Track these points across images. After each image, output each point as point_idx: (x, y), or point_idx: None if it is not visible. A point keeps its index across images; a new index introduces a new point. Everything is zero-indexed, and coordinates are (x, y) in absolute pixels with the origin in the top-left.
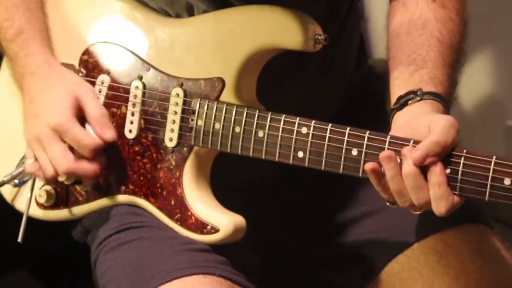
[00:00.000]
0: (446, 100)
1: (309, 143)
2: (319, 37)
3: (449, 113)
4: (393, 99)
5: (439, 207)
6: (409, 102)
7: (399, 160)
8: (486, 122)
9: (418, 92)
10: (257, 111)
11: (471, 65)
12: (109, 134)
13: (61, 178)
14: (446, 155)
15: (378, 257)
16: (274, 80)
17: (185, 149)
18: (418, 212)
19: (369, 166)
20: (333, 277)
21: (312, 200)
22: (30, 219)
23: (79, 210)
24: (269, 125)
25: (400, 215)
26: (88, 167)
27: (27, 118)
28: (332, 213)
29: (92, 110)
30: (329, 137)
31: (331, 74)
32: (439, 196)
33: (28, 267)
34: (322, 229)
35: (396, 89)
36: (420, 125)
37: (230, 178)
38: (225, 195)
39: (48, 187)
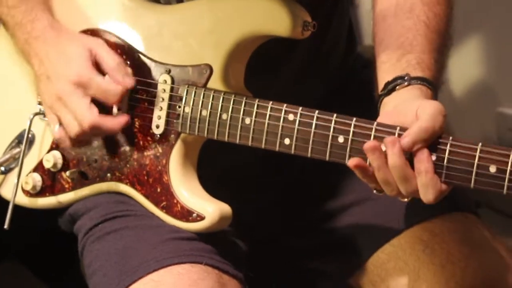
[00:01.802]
0: (434, 84)
1: (295, 130)
2: (308, 24)
3: (437, 98)
4: (381, 84)
5: (427, 195)
6: (397, 87)
7: (384, 149)
8: (477, 108)
9: (406, 77)
10: (244, 98)
11: (463, 51)
12: (131, 81)
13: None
14: (432, 142)
15: (365, 246)
16: (262, 67)
17: (172, 136)
18: (406, 200)
19: (352, 162)
20: (319, 266)
21: (299, 189)
22: (19, 208)
23: (65, 197)
24: (256, 112)
25: (386, 205)
26: (113, 120)
27: (40, 82)
28: (318, 203)
29: (108, 60)
30: (315, 124)
31: (320, 61)
32: (426, 184)
33: (16, 256)
34: (309, 218)
35: (384, 74)
36: (408, 111)
37: (218, 166)
38: (213, 184)
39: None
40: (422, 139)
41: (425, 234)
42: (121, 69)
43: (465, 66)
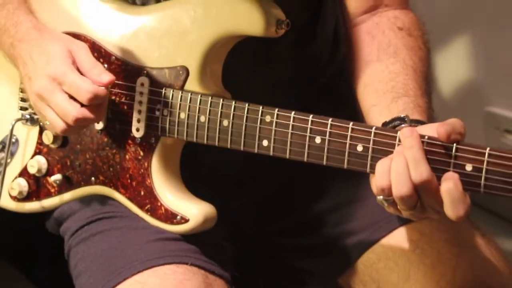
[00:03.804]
0: None
1: (273, 131)
2: (281, 22)
3: None
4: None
5: (457, 211)
6: (397, 128)
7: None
8: (465, 108)
9: (406, 119)
10: (221, 100)
11: (451, 51)
12: (107, 77)
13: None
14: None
15: (354, 247)
16: (246, 69)
17: (152, 139)
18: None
19: None
20: (308, 266)
21: (288, 189)
22: (6, 211)
23: (51, 202)
24: (234, 114)
25: (375, 205)
26: (96, 111)
27: (26, 84)
28: (307, 203)
29: (86, 62)
30: (292, 125)
31: (304, 62)
32: (456, 199)
33: (5, 257)
34: (297, 218)
35: (377, 116)
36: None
37: (204, 167)
38: (198, 185)
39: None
40: (459, 130)
41: (415, 234)
42: (99, 68)
43: (453, 66)
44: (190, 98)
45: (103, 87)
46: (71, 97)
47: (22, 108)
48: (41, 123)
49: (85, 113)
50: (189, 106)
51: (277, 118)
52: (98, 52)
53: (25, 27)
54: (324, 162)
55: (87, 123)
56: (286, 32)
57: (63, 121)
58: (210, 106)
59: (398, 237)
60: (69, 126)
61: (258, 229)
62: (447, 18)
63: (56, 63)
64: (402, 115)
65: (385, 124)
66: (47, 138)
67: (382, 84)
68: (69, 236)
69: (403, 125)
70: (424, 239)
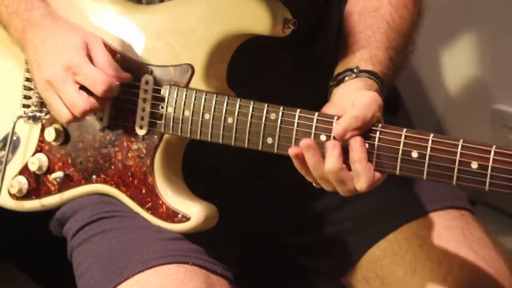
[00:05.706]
0: (381, 79)
1: (278, 128)
2: (288, 21)
3: (385, 93)
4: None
5: (360, 183)
6: (346, 79)
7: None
8: (472, 105)
9: (355, 70)
10: (226, 98)
11: (458, 49)
12: (124, 75)
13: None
14: (367, 130)
15: (359, 243)
16: (252, 69)
17: (155, 137)
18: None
19: (292, 151)
20: (313, 264)
21: (291, 188)
22: (11, 211)
23: (51, 200)
24: (238, 112)
25: (381, 201)
26: (103, 103)
27: (34, 69)
28: (311, 200)
29: (102, 58)
30: (297, 122)
31: (312, 61)
32: (359, 173)
33: (13, 258)
34: (302, 216)
35: (338, 67)
36: (347, 102)
37: (206, 165)
38: (200, 185)
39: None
40: (353, 127)
41: (421, 230)
42: (114, 65)
43: (460, 63)
44: (195, 96)
45: (117, 82)
46: (81, 88)
47: (24, 106)
48: (43, 121)
49: (93, 105)
50: (194, 103)
51: (282, 116)
52: None
53: (40, 13)
54: None
55: (93, 113)
56: (292, 31)
57: (70, 112)
58: (215, 104)
59: (405, 233)
60: (74, 117)
61: (262, 228)
62: (453, 15)
63: (71, 53)
64: (352, 66)
65: (338, 75)
66: (49, 136)
67: (352, 36)
68: (71, 237)
69: (353, 75)
70: (431, 235)
